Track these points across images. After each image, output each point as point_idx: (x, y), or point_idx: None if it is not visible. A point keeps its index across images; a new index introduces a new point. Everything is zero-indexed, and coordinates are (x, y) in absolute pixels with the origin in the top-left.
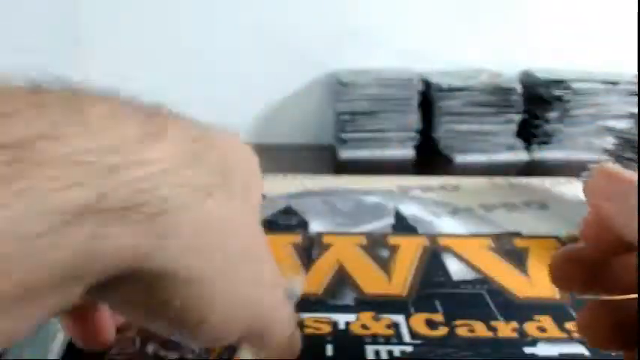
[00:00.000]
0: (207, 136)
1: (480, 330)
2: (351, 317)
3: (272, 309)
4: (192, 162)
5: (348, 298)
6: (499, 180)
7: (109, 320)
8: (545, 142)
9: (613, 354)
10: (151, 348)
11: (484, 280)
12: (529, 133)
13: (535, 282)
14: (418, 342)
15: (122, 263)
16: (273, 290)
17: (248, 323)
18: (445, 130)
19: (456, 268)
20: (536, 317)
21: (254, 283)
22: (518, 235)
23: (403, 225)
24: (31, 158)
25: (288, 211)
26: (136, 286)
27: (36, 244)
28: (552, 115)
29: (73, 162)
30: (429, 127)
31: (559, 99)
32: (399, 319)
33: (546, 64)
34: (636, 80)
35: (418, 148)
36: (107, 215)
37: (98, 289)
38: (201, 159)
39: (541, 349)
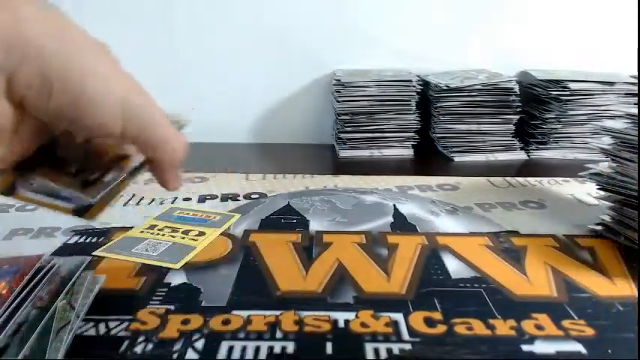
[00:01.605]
0: None
1: (478, 328)
2: (350, 315)
3: (151, 104)
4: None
5: (348, 297)
6: (497, 179)
7: None
8: (542, 142)
9: (610, 351)
10: (59, 153)
11: (482, 279)
12: (527, 133)
13: (533, 280)
14: (417, 340)
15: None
16: (146, 93)
17: (130, 110)
18: (444, 129)
19: (454, 267)
20: (534, 315)
21: (119, 74)
22: (516, 233)
23: (402, 224)
24: None
25: (288, 210)
26: (26, 67)
27: None
28: (550, 115)
29: None
30: (428, 127)
31: (556, 99)
32: (398, 317)
33: (544, 64)
34: (632, 80)
35: (417, 148)
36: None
37: (17, 91)
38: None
39: (538, 347)
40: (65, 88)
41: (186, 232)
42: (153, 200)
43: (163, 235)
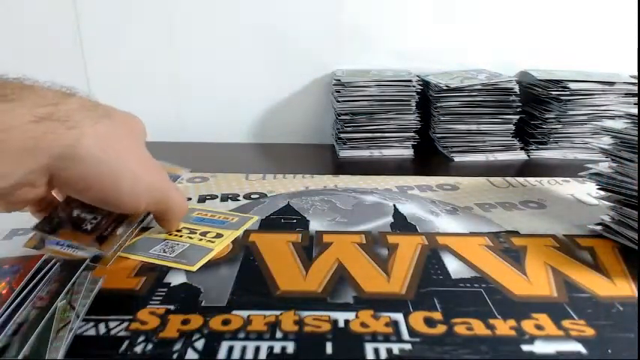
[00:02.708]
0: (98, 103)
1: (478, 328)
2: (350, 315)
3: (166, 183)
4: (88, 109)
5: (348, 297)
6: (497, 179)
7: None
8: (542, 142)
9: (610, 352)
10: (75, 212)
11: (482, 279)
12: (527, 133)
13: (533, 280)
14: (417, 340)
15: (59, 147)
16: (163, 174)
17: (151, 194)
18: (443, 129)
19: (454, 267)
20: (534, 315)
21: (145, 168)
22: (516, 233)
23: (402, 224)
24: (26, 91)
25: (288, 210)
26: (73, 170)
27: (28, 126)
28: (550, 115)
29: (42, 96)
30: (428, 127)
31: (556, 99)
32: (398, 317)
33: (544, 64)
34: (632, 80)
35: (417, 148)
36: (52, 123)
37: (57, 181)
38: (92, 109)
39: (538, 347)
40: (102, 187)
41: (204, 234)
42: None
43: (181, 236)
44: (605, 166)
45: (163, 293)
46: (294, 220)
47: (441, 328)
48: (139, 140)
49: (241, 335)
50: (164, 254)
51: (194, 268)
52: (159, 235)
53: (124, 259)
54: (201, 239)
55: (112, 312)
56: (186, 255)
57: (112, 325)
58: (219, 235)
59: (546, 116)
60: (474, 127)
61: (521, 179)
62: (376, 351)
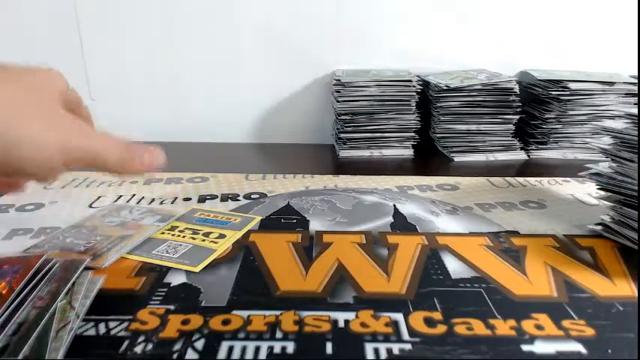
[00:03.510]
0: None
1: (478, 328)
2: (350, 315)
3: (83, 137)
4: None
5: (348, 297)
6: (497, 179)
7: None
8: (542, 142)
9: (610, 352)
10: (69, 239)
11: (482, 279)
12: (527, 133)
13: (533, 280)
14: (417, 340)
15: None
16: (77, 127)
17: (66, 153)
18: (443, 129)
19: (454, 267)
20: (534, 315)
21: (53, 128)
22: (516, 233)
23: (402, 224)
24: None
25: (288, 210)
26: None
27: None
28: (550, 115)
29: None
30: (428, 127)
31: (556, 99)
32: (398, 317)
33: (544, 64)
34: (632, 80)
35: (417, 148)
36: None
37: None
38: None
39: (538, 347)
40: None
41: (206, 235)
42: (153, 200)
43: (184, 236)
44: (605, 166)
45: (163, 293)
46: (294, 220)
47: (441, 328)
48: (47, 99)
49: (241, 335)
50: (167, 255)
51: (197, 269)
52: (162, 235)
53: (124, 259)
54: (204, 240)
55: (112, 312)
56: (189, 256)
57: (112, 325)
58: (222, 236)
59: (546, 116)
60: (473, 127)
61: (521, 179)
62: (376, 351)
